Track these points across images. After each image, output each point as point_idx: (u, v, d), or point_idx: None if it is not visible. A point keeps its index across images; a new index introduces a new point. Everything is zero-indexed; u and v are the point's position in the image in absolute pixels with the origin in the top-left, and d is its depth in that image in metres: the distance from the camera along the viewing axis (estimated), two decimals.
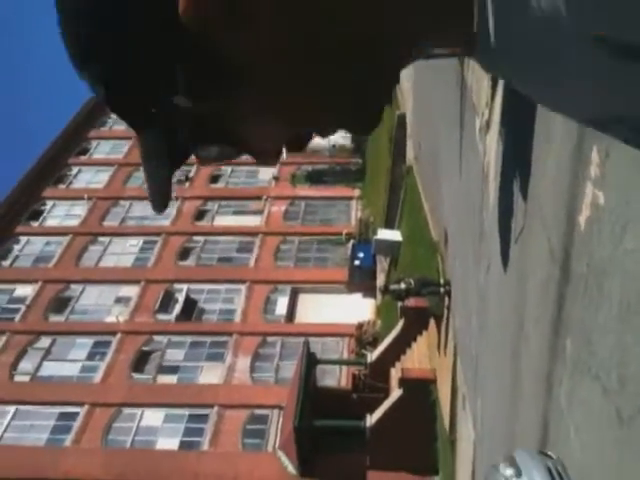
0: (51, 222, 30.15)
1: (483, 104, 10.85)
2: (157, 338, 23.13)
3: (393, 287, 20.37)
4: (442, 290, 16.31)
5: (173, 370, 22.01)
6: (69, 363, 22.52)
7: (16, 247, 28.53)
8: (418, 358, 18.40)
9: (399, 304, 20.06)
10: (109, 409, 20.21)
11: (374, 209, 24.92)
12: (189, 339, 23.12)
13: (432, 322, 18.57)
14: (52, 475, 18.64)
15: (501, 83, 9.26)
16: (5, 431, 20.33)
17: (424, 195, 18.92)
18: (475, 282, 9.90)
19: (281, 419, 19.00)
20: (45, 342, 23.29)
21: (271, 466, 17.72)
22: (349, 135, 29.82)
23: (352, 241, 25.03)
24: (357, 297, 24.03)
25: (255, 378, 21.34)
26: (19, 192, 30.67)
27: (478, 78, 10.96)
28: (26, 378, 22.12)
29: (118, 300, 25.14)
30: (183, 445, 19.29)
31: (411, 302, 19.45)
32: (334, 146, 29.30)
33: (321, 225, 28.05)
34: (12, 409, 20.82)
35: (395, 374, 18.51)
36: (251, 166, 32.52)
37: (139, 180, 32.61)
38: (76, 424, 19.90)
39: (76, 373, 22.19)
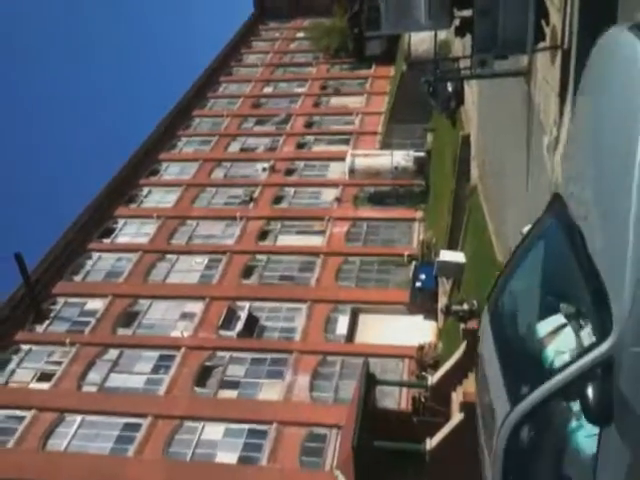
0: (122, 239, 31.28)
1: (551, 122, 10.72)
2: (219, 354, 23.51)
3: (455, 308, 20.10)
4: None
5: (234, 385, 22.28)
6: (135, 375, 23.15)
7: (88, 262, 29.71)
8: None
9: (461, 326, 19.74)
10: (171, 421, 20.61)
11: (437, 231, 24.73)
12: (250, 356, 23.40)
13: None
14: None
15: (569, 100, 9.15)
16: (72, 439, 20.99)
17: (489, 216, 18.68)
18: None
19: (339, 438, 18.91)
20: (113, 354, 24.05)
21: None
22: (411, 157, 29.76)
23: (414, 262, 24.86)
24: (418, 319, 23.78)
25: (314, 397, 21.35)
26: (92, 210, 32.06)
27: (546, 95, 10.85)
28: (93, 389, 22.86)
29: (183, 316, 25.75)
30: (242, 459, 19.43)
31: (474, 324, 19.10)
32: (397, 168, 29.31)
33: (383, 246, 28.00)
34: (79, 418, 21.53)
35: (456, 398, 18.14)
36: (314, 187, 32.95)
37: (205, 201, 33.57)
38: (139, 435, 20.38)
39: (141, 385, 22.78)
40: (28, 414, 21.62)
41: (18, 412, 21.84)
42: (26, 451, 20.66)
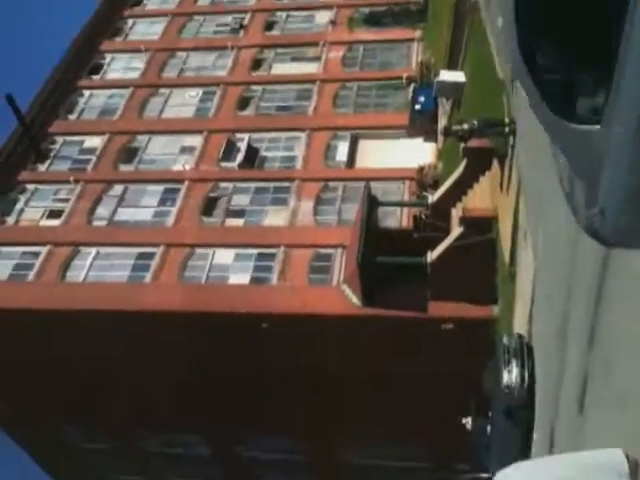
0: (112, 75, 30.48)
1: None
2: (223, 185, 23.96)
3: (456, 128, 20.13)
4: (507, 129, 16.11)
5: (240, 214, 23.00)
6: (142, 209, 23.78)
7: (81, 100, 29.19)
8: (480, 198, 18.59)
9: (461, 145, 19.94)
10: (183, 249, 21.56)
11: (436, 51, 24.06)
12: (253, 185, 23.87)
13: (495, 162, 18.52)
14: (135, 307, 20.35)
15: None
16: (89, 271, 22.04)
17: (490, 31, 18.12)
18: None
19: (344, 257, 19.95)
20: (118, 190, 24.49)
21: (336, 298, 18.89)
22: None
23: (413, 85, 24.48)
24: (418, 142, 23.94)
25: (318, 220, 22.14)
26: (78, 46, 30.83)
27: None
28: (103, 223, 23.58)
29: (183, 150, 25.84)
30: (253, 280, 20.64)
31: (474, 143, 19.30)
32: None
33: (380, 70, 27.39)
34: (93, 251, 22.44)
35: (456, 214, 18.88)
36: (307, 11, 31.43)
37: (193, 30, 32.16)
38: (154, 263, 21.39)
39: (149, 218, 23.49)
40: (43, 249, 22.49)
41: (33, 248, 22.70)
42: (46, 284, 21.75)
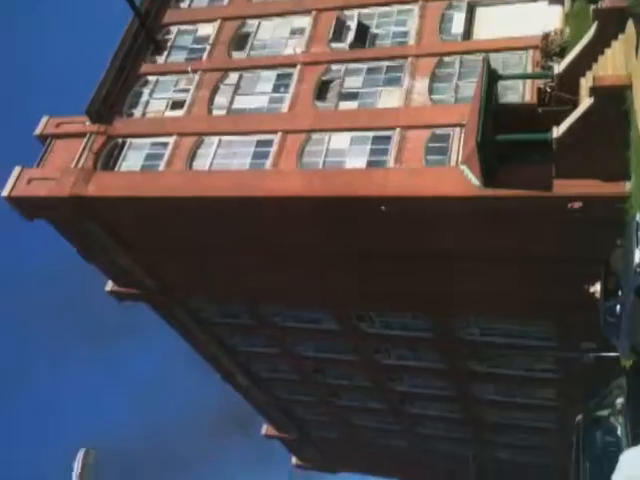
0: None
1: None
2: (334, 67, 23.55)
3: None
4: None
5: (353, 96, 22.69)
6: (257, 96, 24.04)
7: None
8: (612, 65, 17.16)
9: (591, 7, 18.23)
10: (299, 135, 21.82)
11: None
12: (365, 66, 23.28)
13: (630, 23, 16.85)
14: (258, 193, 21.20)
15: None
16: (213, 159, 22.98)
17: None
18: None
19: (463, 136, 19.39)
20: (233, 78, 24.79)
21: (455, 180, 18.61)
22: None
23: None
24: (541, 5, 22.04)
25: (434, 99, 21.42)
26: None
27: None
28: (223, 112, 24.16)
29: (293, 32, 25.42)
30: (370, 164, 20.69)
31: (607, 2, 17.62)
32: None
33: None
34: (216, 140, 23.25)
35: (586, 84, 17.61)
36: None
37: None
38: (272, 150, 21.89)
39: (265, 105, 23.75)
40: (170, 139, 23.59)
41: (161, 139, 23.86)
42: (175, 173, 23.00)
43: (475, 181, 18.20)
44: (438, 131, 20.22)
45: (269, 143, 22.14)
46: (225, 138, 23.14)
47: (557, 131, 16.80)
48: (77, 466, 8.25)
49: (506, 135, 17.60)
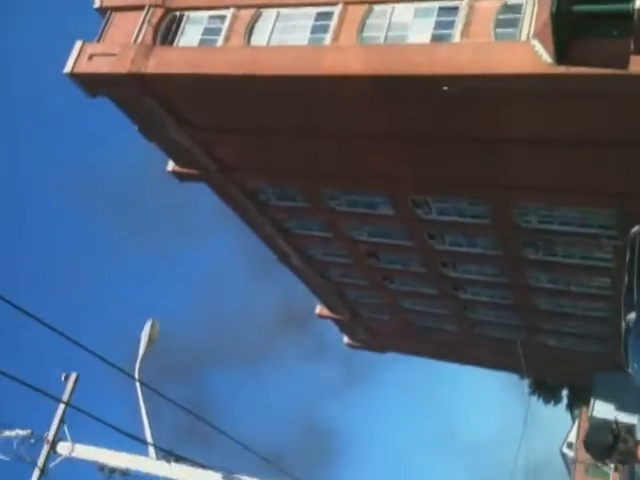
0: None
1: None
2: None
3: None
4: None
5: None
6: None
7: None
8: None
9: None
10: (361, 6, 20.91)
11: None
12: None
13: None
14: (316, 72, 20.73)
15: None
16: (271, 34, 22.41)
17: None
18: None
19: (536, 7, 18.21)
20: None
21: (525, 55, 17.69)
22: None
23: None
24: None
25: None
26: None
27: None
28: None
29: None
30: (434, 38, 19.81)
31: None
32: None
33: None
34: (274, 12, 22.55)
35: None
36: None
37: None
38: (332, 23, 21.14)
39: None
40: (228, 13, 23.01)
41: (219, 12, 23.30)
42: (234, 49, 22.60)
43: (547, 57, 17.26)
44: (509, 1, 19.01)
45: (329, 16, 21.35)
46: (284, 11, 22.41)
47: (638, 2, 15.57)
48: (144, 335, 8.82)
49: (583, 5, 16.43)
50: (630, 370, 14.49)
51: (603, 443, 4.52)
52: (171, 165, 31.07)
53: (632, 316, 13.73)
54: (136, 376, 8.68)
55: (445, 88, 19.04)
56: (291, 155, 26.57)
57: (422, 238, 30.65)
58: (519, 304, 34.85)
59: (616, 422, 4.81)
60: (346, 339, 51.11)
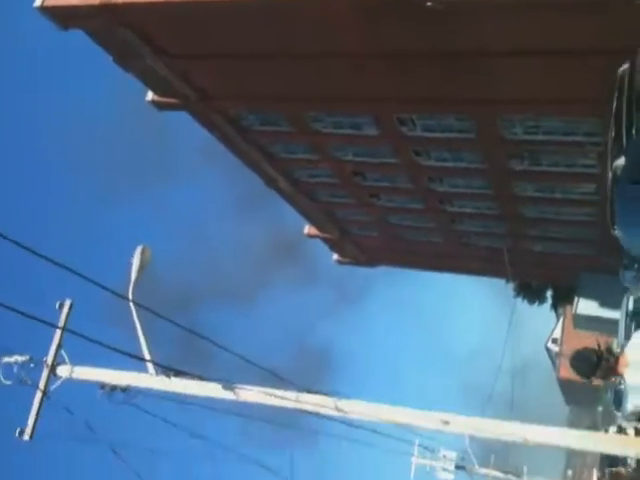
0: None
1: None
2: None
3: None
4: None
5: None
6: None
7: None
8: None
9: None
10: None
11: None
12: None
13: None
14: None
15: None
16: None
17: None
18: None
19: None
20: None
21: None
22: None
23: None
24: None
25: None
26: None
27: None
28: None
29: None
30: None
31: None
32: None
33: None
34: None
35: None
36: None
37: None
38: None
39: None
40: None
41: None
42: None
43: None
44: None
45: None
46: None
47: None
48: (136, 259, 8.79)
49: None
50: (616, 232, 13.72)
51: (588, 363, 5.09)
52: (150, 95, 30.43)
53: (620, 162, 12.70)
54: (130, 297, 8.72)
55: (429, 4, 18.67)
56: (271, 79, 26.05)
57: (408, 155, 30.73)
58: (505, 213, 35.49)
59: (598, 345, 5.32)
60: (336, 256, 51.98)
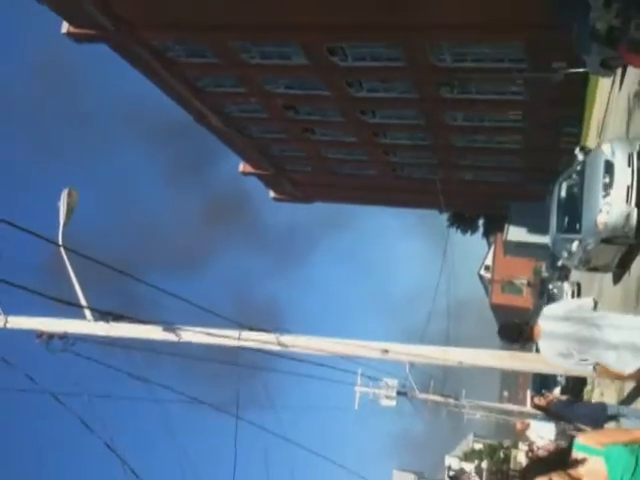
0: None
1: None
2: None
3: None
4: None
5: None
6: None
7: None
8: None
9: None
10: None
11: None
12: None
13: None
14: None
15: None
16: None
17: None
18: None
19: None
20: None
21: None
22: None
23: None
24: None
25: None
26: None
27: None
28: None
29: None
30: None
31: None
32: None
33: None
34: None
35: None
36: None
37: None
38: None
39: None
40: None
41: None
42: None
43: None
44: None
45: None
46: None
47: None
48: (63, 203, 8.37)
49: None
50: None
51: (511, 334, 6.41)
52: (65, 27, 28.63)
53: None
54: (60, 242, 8.39)
55: None
56: (194, 6, 24.89)
57: (340, 86, 30.32)
58: (437, 144, 35.82)
59: (519, 320, 6.68)
60: (272, 193, 51.62)
